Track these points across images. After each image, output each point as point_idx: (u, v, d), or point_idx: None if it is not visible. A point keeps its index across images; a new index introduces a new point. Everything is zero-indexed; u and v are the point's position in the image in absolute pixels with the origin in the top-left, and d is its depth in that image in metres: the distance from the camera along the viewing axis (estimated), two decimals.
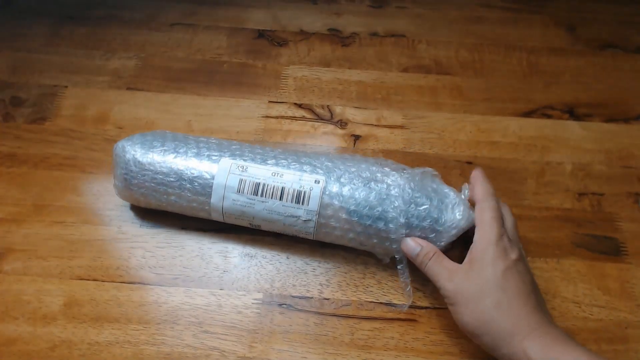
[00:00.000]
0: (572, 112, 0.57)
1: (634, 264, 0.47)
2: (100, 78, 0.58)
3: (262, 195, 0.43)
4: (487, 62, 0.60)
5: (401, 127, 0.55)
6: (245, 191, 0.43)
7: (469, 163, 0.53)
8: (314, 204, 0.42)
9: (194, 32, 0.62)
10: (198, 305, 0.44)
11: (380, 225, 0.42)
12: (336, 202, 0.42)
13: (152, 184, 0.44)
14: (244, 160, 0.44)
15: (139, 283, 0.45)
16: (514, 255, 0.39)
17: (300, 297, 0.45)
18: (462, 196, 0.43)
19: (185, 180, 0.43)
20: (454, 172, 0.52)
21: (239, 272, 0.46)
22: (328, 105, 0.57)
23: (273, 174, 0.43)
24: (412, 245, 0.42)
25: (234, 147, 0.46)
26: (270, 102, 0.57)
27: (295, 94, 0.57)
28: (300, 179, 0.43)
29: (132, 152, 0.44)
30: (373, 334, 0.43)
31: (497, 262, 0.38)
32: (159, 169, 0.44)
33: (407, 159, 0.53)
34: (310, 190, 0.42)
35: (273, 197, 0.43)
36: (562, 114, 0.56)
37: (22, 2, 0.64)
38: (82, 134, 0.54)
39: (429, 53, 0.61)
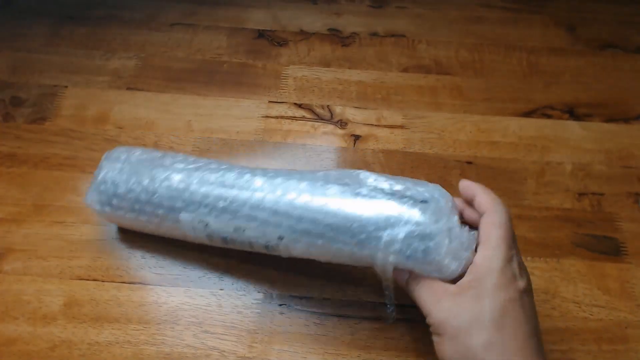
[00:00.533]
0: (572, 112, 0.57)
1: (634, 264, 0.47)
2: (100, 78, 0.58)
3: (232, 243, 0.42)
4: (487, 62, 0.60)
5: (401, 127, 0.55)
6: (214, 239, 0.42)
7: (469, 163, 0.53)
8: (285, 254, 0.41)
9: (194, 32, 0.62)
10: (198, 305, 0.44)
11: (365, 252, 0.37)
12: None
13: (128, 215, 0.44)
14: (203, 215, 0.41)
15: (139, 283, 0.45)
16: (521, 284, 0.33)
17: (300, 297, 0.45)
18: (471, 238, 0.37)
19: (157, 217, 0.43)
20: (454, 172, 0.52)
21: (239, 272, 0.46)
22: (328, 105, 0.57)
23: (235, 230, 0.41)
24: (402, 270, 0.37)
25: (192, 188, 0.42)
26: (270, 102, 0.57)
27: (295, 94, 0.57)
28: (264, 234, 0.40)
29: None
30: (373, 334, 0.43)
31: (498, 292, 0.32)
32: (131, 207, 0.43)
33: (407, 159, 0.53)
34: (277, 244, 0.40)
35: (242, 245, 0.42)
36: (562, 114, 0.56)
37: (22, 2, 0.64)
38: (82, 134, 0.54)
39: (429, 53, 0.61)
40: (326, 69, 0.59)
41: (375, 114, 0.56)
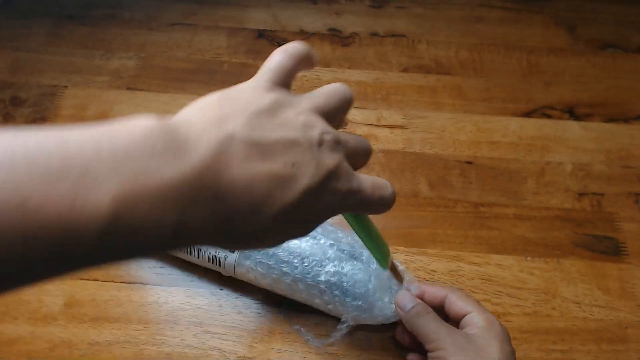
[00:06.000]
0: (572, 112, 0.57)
1: (634, 264, 0.47)
2: (100, 78, 0.58)
3: (182, 250, 0.43)
4: (487, 62, 0.60)
5: (401, 127, 0.55)
6: None
7: (469, 163, 0.53)
8: (229, 270, 0.42)
9: (194, 32, 0.62)
10: (198, 305, 0.44)
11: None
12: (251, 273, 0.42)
13: None
14: None
15: (139, 283, 0.45)
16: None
17: None
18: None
19: None
20: (454, 172, 0.52)
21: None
22: None
23: None
24: (409, 298, 0.38)
25: None
26: None
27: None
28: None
29: None
30: (373, 334, 0.43)
31: (502, 344, 0.36)
32: None
33: (407, 159, 0.53)
34: (225, 258, 0.42)
35: (191, 254, 0.43)
36: (562, 114, 0.56)
37: (22, 2, 0.64)
38: None
39: (429, 53, 0.61)
40: (326, 69, 0.59)
41: (375, 114, 0.56)
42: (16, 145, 0.18)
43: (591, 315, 0.44)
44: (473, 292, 0.45)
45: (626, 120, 0.56)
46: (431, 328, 0.37)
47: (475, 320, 0.37)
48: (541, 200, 0.50)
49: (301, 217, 0.24)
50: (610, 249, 0.48)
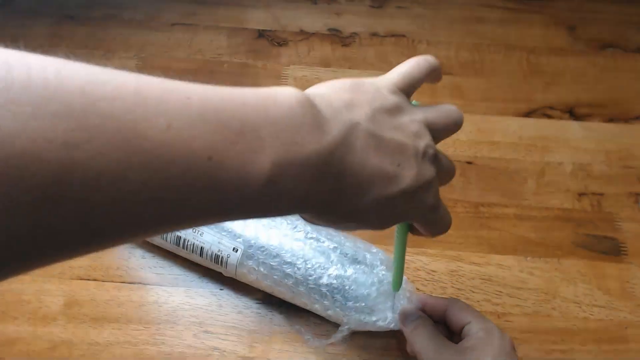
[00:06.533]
0: (572, 112, 0.57)
1: (634, 264, 0.47)
2: None
3: (184, 248, 0.43)
4: (487, 62, 0.60)
5: None
6: (169, 239, 0.43)
7: (469, 163, 0.53)
8: (231, 270, 0.42)
9: (194, 32, 0.62)
10: (198, 305, 0.44)
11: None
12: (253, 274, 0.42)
13: None
14: None
15: (139, 283, 0.45)
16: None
17: None
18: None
19: None
20: None
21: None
22: None
23: (194, 230, 0.42)
24: (409, 312, 0.39)
25: None
26: None
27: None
28: (219, 241, 0.42)
29: None
30: (374, 335, 0.43)
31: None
32: None
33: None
34: (228, 257, 0.42)
35: (194, 252, 0.43)
36: (562, 114, 0.56)
37: (22, 2, 0.64)
38: None
39: (429, 53, 0.60)
40: (326, 69, 0.59)
41: None
42: (207, 102, 0.20)
43: (591, 315, 0.44)
44: (473, 292, 0.45)
45: (626, 120, 0.56)
46: (423, 345, 0.37)
47: (473, 331, 0.36)
48: (541, 200, 0.50)
49: (388, 212, 0.26)
50: (610, 249, 0.48)
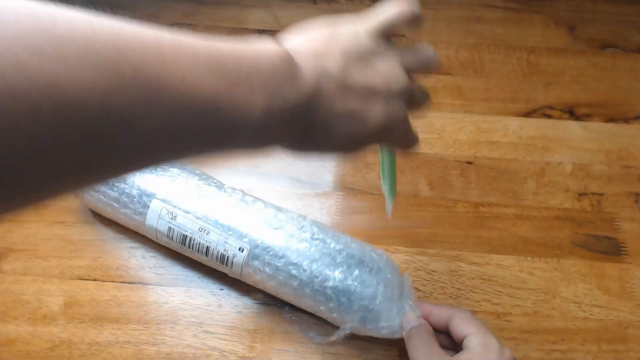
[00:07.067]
0: (572, 112, 0.57)
1: (634, 264, 0.47)
2: None
3: (189, 247, 0.42)
4: (487, 62, 0.60)
5: None
6: (174, 238, 0.43)
7: (469, 163, 0.53)
8: (237, 270, 0.42)
9: (194, 32, 0.62)
10: (198, 305, 0.44)
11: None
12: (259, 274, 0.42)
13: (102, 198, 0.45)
14: (174, 206, 0.42)
15: (139, 283, 0.45)
16: None
17: None
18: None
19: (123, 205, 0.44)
20: (454, 172, 0.52)
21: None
22: None
23: (200, 229, 0.41)
24: (411, 319, 0.39)
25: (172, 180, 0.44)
26: None
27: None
28: (226, 241, 0.41)
29: None
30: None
31: None
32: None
33: (407, 159, 0.53)
34: (234, 257, 0.41)
35: (199, 252, 0.42)
36: (562, 114, 0.56)
37: None
38: None
39: None
40: None
41: None
42: (211, 57, 0.23)
43: (591, 315, 0.44)
44: (473, 292, 0.45)
45: (626, 120, 0.56)
46: (417, 351, 0.37)
47: (472, 344, 0.36)
48: (541, 200, 0.50)
49: (358, 145, 0.31)
50: (610, 249, 0.48)
